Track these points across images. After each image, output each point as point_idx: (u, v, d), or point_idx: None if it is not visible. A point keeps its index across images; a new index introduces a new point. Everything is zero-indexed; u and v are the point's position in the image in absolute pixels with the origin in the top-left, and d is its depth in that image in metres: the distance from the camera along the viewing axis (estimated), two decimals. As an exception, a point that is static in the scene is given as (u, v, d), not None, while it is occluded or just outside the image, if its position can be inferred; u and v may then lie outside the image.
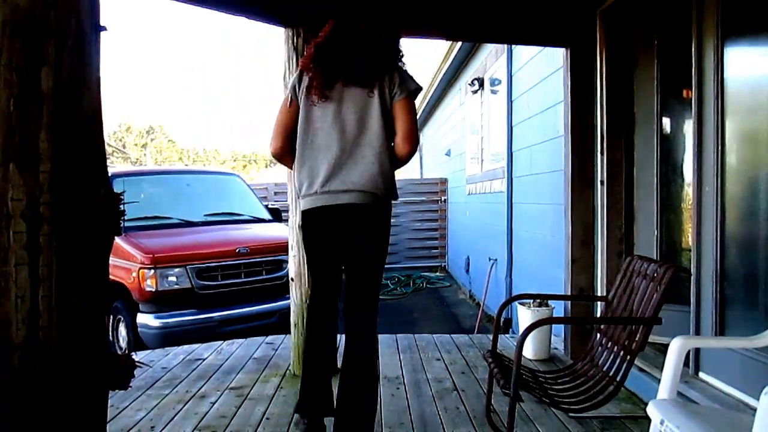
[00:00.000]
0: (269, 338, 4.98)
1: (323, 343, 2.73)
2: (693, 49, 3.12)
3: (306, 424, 2.66)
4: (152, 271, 5.28)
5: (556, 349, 4.42)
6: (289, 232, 4.02)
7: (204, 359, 4.39)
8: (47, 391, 1.31)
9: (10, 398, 1.27)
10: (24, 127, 1.26)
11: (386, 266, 2.91)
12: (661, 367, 2.26)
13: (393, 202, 2.69)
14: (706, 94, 3.04)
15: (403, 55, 2.72)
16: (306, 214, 2.65)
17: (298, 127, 2.63)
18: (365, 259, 2.64)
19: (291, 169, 2.78)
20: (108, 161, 1.52)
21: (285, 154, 2.74)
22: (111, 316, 5.63)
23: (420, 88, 2.69)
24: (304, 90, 2.62)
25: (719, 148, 2.94)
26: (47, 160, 1.28)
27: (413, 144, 2.62)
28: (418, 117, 3.27)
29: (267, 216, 7.09)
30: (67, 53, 1.32)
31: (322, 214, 2.59)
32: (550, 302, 4.34)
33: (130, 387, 1.55)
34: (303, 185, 2.61)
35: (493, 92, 7.76)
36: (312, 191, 2.57)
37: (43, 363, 1.30)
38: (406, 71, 2.68)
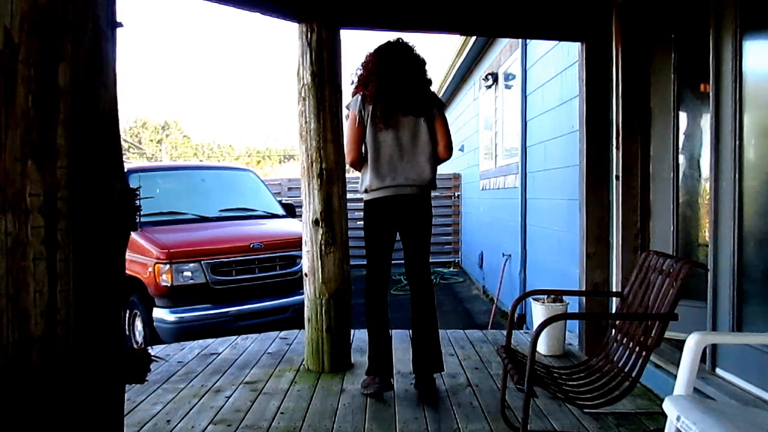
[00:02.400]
0: (283, 333, 5.01)
1: (385, 305, 3.53)
2: (710, 43, 3.08)
3: (379, 383, 3.41)
4: (168, 266, 5.32)
5: (570, 345, 4.40)
6: (302, 227, 4.04)
7: (219, 354, 4.42)
8: (65, 384, 1.32)
9: (29, 392, 1.28)
10: (42, 123, 1.27)
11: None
12: (677, 363, 2.24)
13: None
14: (724, 87, 3.00)
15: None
16: (376, 201, 3.49)
17: (368, 143, 3.43)
18: (421, 231, 3.54)
19: (360, 172, 3.59)
20: (124, 157, 1.52)
21: (358, 162, 3.51)
22: (127, 311, 5.69)
23: (445, 105, 3.71)
24: (369, 117, 3.40)
25: (737, 142, 2.91)
26: (64, 155, 1.29)
27: (451, 150, 3.55)
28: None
29: (281, 211, 7.12)
30: (84, 49, 1.33)
31: (389, 201, 3.46)
32: (564, 298, 4.32)
33: (147, 381, 1.56)
34: (374, 182, 3.44)
35: (507, 87, 7.72)
36: (382, 185, 3.43)
37: (61, 357, 1.31)
38: (434, 93, 3.63)
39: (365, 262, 3.59)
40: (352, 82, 3.56)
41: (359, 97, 3.44)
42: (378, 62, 3.44)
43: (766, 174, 2.87)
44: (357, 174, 3.63)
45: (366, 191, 3.52)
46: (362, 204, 3.59)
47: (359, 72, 3.52)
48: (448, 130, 3.54)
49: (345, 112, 3.68)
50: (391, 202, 3.47)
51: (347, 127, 3.51)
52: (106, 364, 1.40)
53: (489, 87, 8.51)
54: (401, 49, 3.47)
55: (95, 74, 1.36)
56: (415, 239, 3.55)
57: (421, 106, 3.45)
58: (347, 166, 3.80)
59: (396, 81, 3.41)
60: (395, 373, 3.82)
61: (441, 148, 3.49)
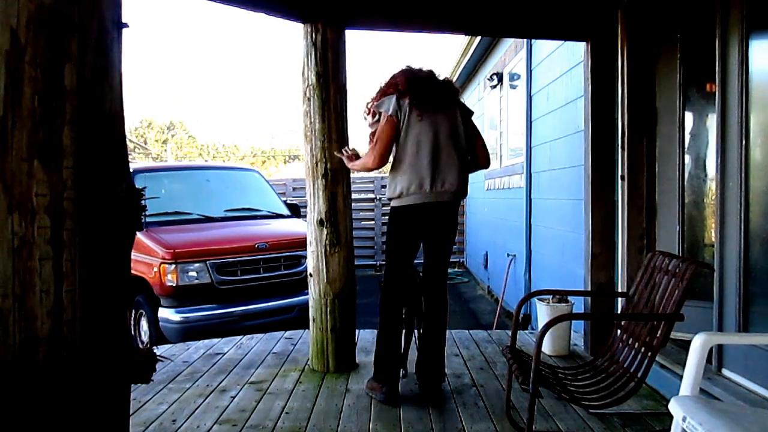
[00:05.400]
0: (288, 333, 5.01)
1: (402, 314, 3.48)
2: (717, 43, 3.07)
3: (385, 394, 3.33)
4: (173, 266, 5.34)
5: (575, 345, 4.39)
6: (307, 227, 4.04)
7: (224, 354, 4.42)
8: (71, 384, 1.33)
9: (35, 391, 1.29)
10: (48, 124, 1.28)
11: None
12: (683, 364, 2.23)
13: None
14: (730, 87, 2.99)
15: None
16: (412, 208, 3.29)
17: (405, 141, 3.27)
18: (447, 241, 3.47)
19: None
20: (129, 157, 1.53)
21: (386, 164, 3.40)
22: (133, 311, 5.70)
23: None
24: (407, 110, 3.25)
25: (743, 142, 2.89)
26: (71, 156, 1.30)
27: (489, 158, 3.53)
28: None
29: (286, 212, 7.12)
30: (90, 50, 1.33)
31: (426, 208, 3.29)
32: (569, 298, 4.31)
33: (152, 381, 1.56)
34: (411, 185, 3.25)
35: (512, 87, 7.71)
36: (421, 190, 3.25)
37: (67, 357, 1.31)
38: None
39: (386, 266, 3.49)
40: (369, 105, 3.49)
41: (393, 96, 3.31)
42: (404, 72, 3.42)
43: (773, 174, 2.86)
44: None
45: (399, 195, 3.31)
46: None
47: (381, 86, 3.47)
48: (483, 138, 3.53)
49: (370, 119, 3.51)
50: (428, 209, 3.30)
51: (381, 128, 3.29)
52: (112, 363, 1.40)
53: (494, 87, 8.50)
54: (425, 70, 3.49)
55: (101, 75, 1.36)
56: (441, 249, 3.48)
57: (454, 98, 3.44)
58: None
59: (425, 80, 3.38)
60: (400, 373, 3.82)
61: (482, 157, 3.45)
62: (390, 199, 3.40)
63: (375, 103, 3.40)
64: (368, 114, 3.49)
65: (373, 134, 3.43)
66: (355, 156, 3.63)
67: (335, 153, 3.79)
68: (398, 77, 3.40)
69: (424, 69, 3.47)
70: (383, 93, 3.41)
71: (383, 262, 4.52)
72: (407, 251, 3.43)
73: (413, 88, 3.31)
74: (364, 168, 3.50)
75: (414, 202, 3.29)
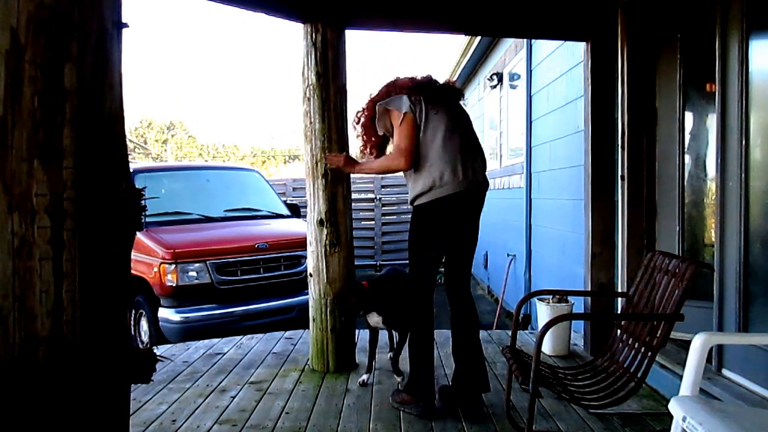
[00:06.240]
0: (288, 333, 5.01)
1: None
2: (717, 43, 3.07)
3: (422, 408, 3.14)
4: (173, 266, 5.34)
5: (575, 345, 4.39)
6: (307, 227, 4.04)
7: (224, 353, 4.42)
8: (71, 384, 1.33)
9: (35, 391, 1.29)
10: (48, 124, 1.28)
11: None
12: (683, 364, 2.23)
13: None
14: (730, 87, 2.99)
15: None
16: (446, 200, 3.07)
17: (425, 135, 3.10)
18: (475, 236, 3.31)
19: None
20: (129, 157, 1.53)
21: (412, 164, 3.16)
22: (133, 311, 5.70)
23: None
24: (422, 105, 3.12)
25: (743, 142, 2.89)
26: (70, 156, 1.30)
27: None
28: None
29: (285, 212, 7.12)
30: (90, 50, 1.33)
31: (460, 198, 3.10)
32: (569, 298, 4.31)
33: (152, 381, 1.56)
34: (443, 174, 3.05)
35: (512, 87, 7.71)
36: (454, 179, 3.06)
37: (67, 357, 1.31)
38: None
39: (416, 272, 3.20)
40: (359, 114, 3.41)
41: (402, 96, 3.16)
42: (400, 79, 3.34)
43: (773, 174, 2.86)
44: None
45: (430, 189, 3.07)
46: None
47: (373, 96, 3.35)
48: None
49: (360, 129, 3.43)
50: (462, 198, 3.10)
51: (402, 127, 3.10)
52: (112, 363, 1.40)
53: (494, 87, 8.50)
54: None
55: (101, 74, 1.36)
56: (470, 245, 3.28)
57: (460, 94, 3.40)
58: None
59: (428, 81, 3.31)
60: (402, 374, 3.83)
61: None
62: (416, 198, 3.15)
63: (383, 102, 3.19)
64: (363, 118, 3.38)
65: (369, 144, 3.37)
66: (349, 158, 3.56)
67: (328, 160, 3.71)
68: (398, 82, 3.30)
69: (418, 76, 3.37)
70: (382, 96, 3.27)
71: (383, 262, 4.49)
72: (440, 252, 3.23)
73: (420, 87, 3.23)
74: (389, 170, 3.31)
75: (448, 192, 3.06)
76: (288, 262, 6.06)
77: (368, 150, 3.44)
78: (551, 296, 4.28)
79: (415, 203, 3.17)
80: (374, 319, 3.63)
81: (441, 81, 3.40)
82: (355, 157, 3.71)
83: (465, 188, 3.09)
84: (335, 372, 3.89)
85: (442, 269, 3.31)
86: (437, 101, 3.18)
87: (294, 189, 11.87)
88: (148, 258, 5.49)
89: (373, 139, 3.36)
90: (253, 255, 5.82)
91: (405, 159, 3.09)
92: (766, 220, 2.87)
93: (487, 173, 3.28)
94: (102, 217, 1.37)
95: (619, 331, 2.86)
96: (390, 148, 3.33)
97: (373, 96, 3.34)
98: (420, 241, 3.19)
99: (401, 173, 3.25)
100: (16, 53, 1.25)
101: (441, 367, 3.96)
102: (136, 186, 1.48)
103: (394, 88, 3.28)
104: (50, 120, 1.28)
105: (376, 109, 3.20)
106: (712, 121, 3.50)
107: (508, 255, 7.54)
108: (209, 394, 3.54)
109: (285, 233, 6.32)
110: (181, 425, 3.08)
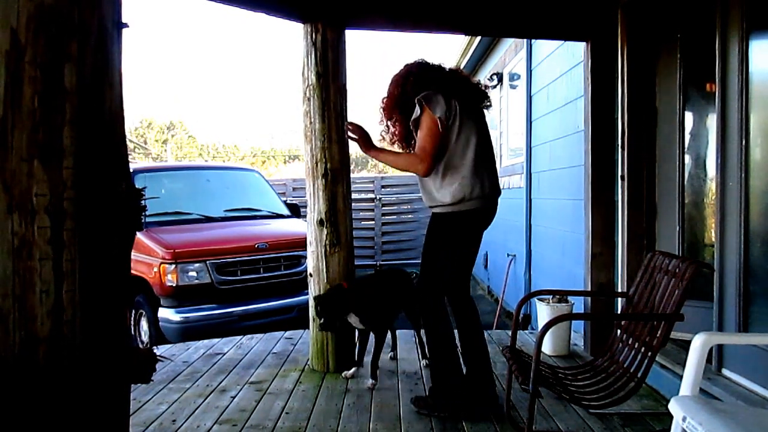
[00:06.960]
0: (288, 333, 5.01)
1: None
2: (717, 43, 3.07)
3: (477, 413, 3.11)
4: (173, 266, 5.34)
5: (575, 345, 4.39)
6: (307, 227, 4.04)
7: (224, 354, 4.42)
8: (71, 384, 1.33)
9: (35, 391, 1.29)
10: (48, 124, 1.28)
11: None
12: (683, 364, 2.23)
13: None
14: (730, 87, 2.99)
15: None
16: (475, 212, 3.10)
17: (458, 144, 3.05)
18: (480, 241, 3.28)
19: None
20: (129, 157, 1.53)
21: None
22: (133, 311, 5.70)
23: None
24: (456, 110, 3.02)
25: (744, 142, 2.89)
26: (70, 156, 1.30)
27: None
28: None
29: (285, 212, 7.12)
30: (90, 50, 1.33)
31: (487, 211, 3.17)
32: (569, 298, 4.31)
33: (152, 381, 1.56)
34: (473, 190, 3.05)
35: (512, 87, 7.71)
36: (483, 193, 3.09)
37: (67, 357, 1.31)
38: None
39: (450, 278, 3.19)
40: (386, 102, 3.29)
41: (439, 96, 3.02)
42: (433, 68, 3.24)
43: (773, 174, 2.86)
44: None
45: (461, 201, 3.05)
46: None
47: (395, 78, 3.25)
48: None
49: (385, 119, 3.34)
50: (487, 211, 3.17)
51: (432, 130, 2.99)
52: (112, 363, 1.40)
53: (494, 87, 8.49)
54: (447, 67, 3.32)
55: (101, 75, 1.36)
56: (477, 251, 3.31)
57: (488, 99, 3.31)
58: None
59: (464, 79, 3.24)
60: (400, 373, 3.83)
61: None
62: (441, 206, 3.13)
63: (422, 95, 3.05)
64: (389, 106, 3.27)
65: (395, 134, 3.29)
66: (368, 137, 3.36)
67: (347, 128, 3.57)
68: (434, 72, 3.18)
69: (444, 65, 3.26)
70: (411, 84, 3.15)
71: (383, 262, 4.48)
72: (472, 261, 3.26)
73: (456, 89, 3.12)
74: (404, 169, 3.28)
75: (475, 206, 3.09)
76: (288, 262, 6.06)
77: (388, 140, 3.37)
78: (551, 296, 4.28)
79: (438, 211, 3.16)
80: (352, 318, 3.65)
81: (473, 80, 3.33)
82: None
83: (490, 204, 3.17)
84: (335, 372, 3.88)
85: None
86: (471, 107, 3.13)
87: (294, 189, 11.88)
88: (148, 258, 5.49)
89: (396, 124, 3.27)
90: (253, 255, 5.82)
91: (425, 165, 3.01)
92: (766, 219, 2.87)
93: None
94: (102, 217, 1.37)
95: (619, 331, 2.86)
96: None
97: (395, 77, 3.25)
98: (439, 248, 3.20)
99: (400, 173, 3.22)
100: (16, 53, 1.25)
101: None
102: (136, 186, 1.48)
103: (424, 80, 3.15)
104: (50, 120, 1.28)
105: (415, 101, 3.06)
106: (712, 121, 3.50)
107: (508, 255, 7.53)
108: (209, 394, 3.54)
109: (285, 233, 6.32)
110: (181, 425, 3.08)
